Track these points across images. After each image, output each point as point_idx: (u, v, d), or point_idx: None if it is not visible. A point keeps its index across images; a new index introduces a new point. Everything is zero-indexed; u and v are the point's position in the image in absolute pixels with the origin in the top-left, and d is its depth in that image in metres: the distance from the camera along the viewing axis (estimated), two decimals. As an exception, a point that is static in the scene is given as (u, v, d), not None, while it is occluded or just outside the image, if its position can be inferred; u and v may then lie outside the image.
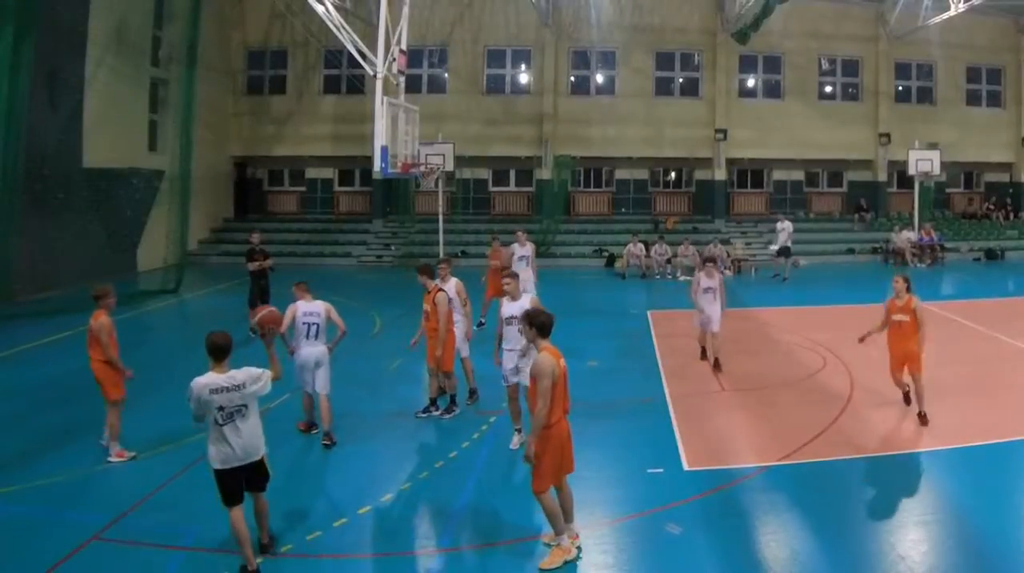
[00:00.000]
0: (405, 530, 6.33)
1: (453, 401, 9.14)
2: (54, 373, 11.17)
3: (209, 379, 5.36)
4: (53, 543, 5.85)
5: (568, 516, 5.88)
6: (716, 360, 11.20)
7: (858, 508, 6.52)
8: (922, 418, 8.59)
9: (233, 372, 5.43)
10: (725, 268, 22.28)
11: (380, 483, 7.04)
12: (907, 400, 9.02)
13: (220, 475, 5.38)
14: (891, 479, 7.21)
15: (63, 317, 14.59)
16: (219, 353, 5.47)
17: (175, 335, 15.31)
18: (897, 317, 8.74)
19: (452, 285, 9.46)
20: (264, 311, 6.37)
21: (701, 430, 8.64)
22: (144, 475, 7.25)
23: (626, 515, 6.51)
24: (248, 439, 5.40)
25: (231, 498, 5.39)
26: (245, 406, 5.41)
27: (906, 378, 8.86)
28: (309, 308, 8.29)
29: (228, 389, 5.35)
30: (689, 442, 8.15)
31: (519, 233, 15.04)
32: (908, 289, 8.78)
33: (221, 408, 5.32)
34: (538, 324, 5.72)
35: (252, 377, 5.46)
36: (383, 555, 5.95)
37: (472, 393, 9.65)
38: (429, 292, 8.95)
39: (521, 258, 14.28)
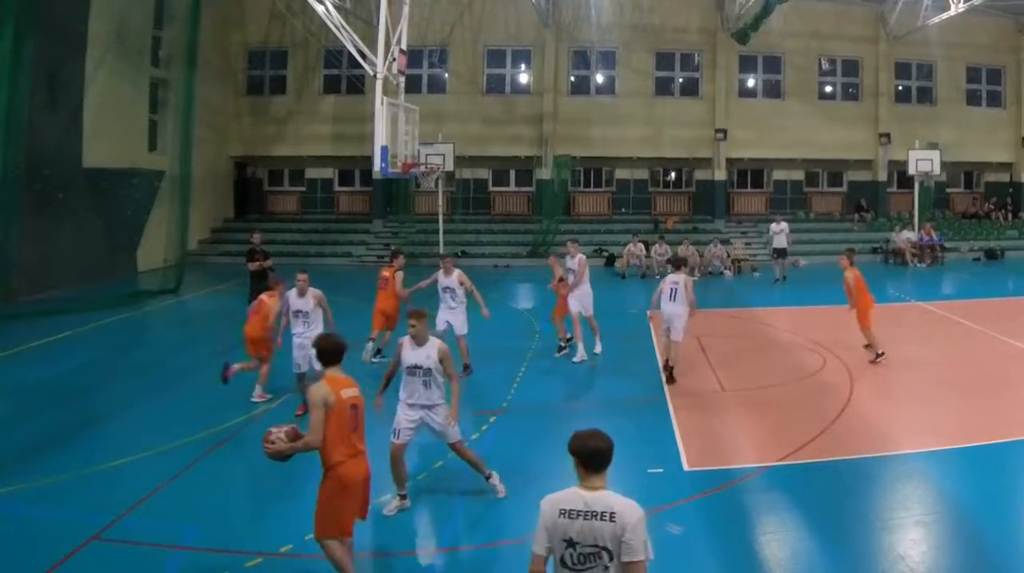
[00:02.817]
0: (405, 530, 6.32)
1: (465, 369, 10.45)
2: (54, 373, 11.15)
3: (561, 496, 3.53)
4: (53, 543, 5.84)
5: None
6: (671, 369, 10.25)
7: (858, 508, 6.51)
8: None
9: (601, 494, 3.43)
10: (724, 268, 22.36)
11: (380, 483, 7.02)
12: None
13: None
14: (891, 479, 7.20)
15: (63, 317, 14.61)
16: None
17: (175, 335, 15.30)
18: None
19: (455, 276, 10.72)
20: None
21: (701, 430, 8.64)
22: (144, 475, 7.24)
23: (626, 515, 6.50)
24: None
25: None
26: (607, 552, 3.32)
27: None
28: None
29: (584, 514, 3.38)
30: (689, 442, 8.14)
31: (569, 243, 12.22)
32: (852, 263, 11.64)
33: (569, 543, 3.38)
34: (318, 350, 5.24)
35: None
36: (383, 555, 5.95)
37: (466, 368, 10.54)
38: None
39: (568, 270, 11.83)
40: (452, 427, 6.52)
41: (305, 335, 8.91)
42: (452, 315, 10.74)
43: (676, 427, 8.67)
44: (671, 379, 10.24)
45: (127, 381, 10.80)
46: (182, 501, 6.75)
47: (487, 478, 6.77)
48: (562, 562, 3.37)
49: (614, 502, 3.37)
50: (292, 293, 9.30)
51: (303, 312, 9.21)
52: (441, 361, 6.38)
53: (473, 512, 6.64)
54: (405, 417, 6.47)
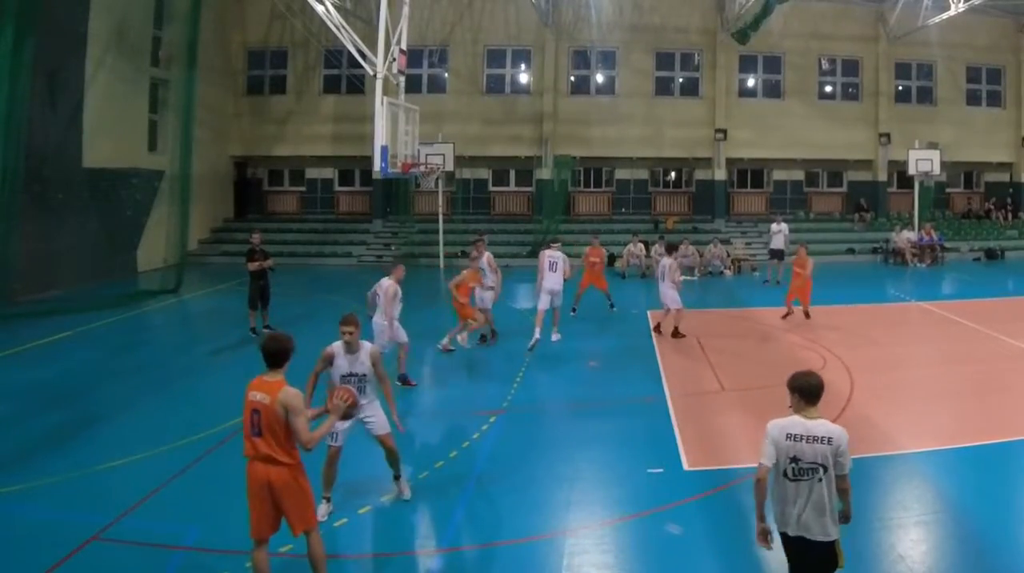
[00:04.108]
0: (405, 530, 6.32)
1: (492, 334, 12.64)
2: (54, 373, 11.16)
3: (786, 421, 4.34)
4: (53, 543, 5.84)
5: None
6: (673, 330, 12.98)
7: (858, 508, 6.45)
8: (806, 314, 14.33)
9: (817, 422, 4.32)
10: (724, 268, 22.37)
11: (380, 483, 7.03)
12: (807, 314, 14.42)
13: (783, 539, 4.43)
14: (891, 479, 7.20)
15: (63, 317, 14.61)
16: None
17: (175, 335, 15.31)
18: (797, 269, 14.44)
19: (484, 258, 12.28)
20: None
21: (701, 430, 8.64)
22: (144, 475, 7.24)
23: (626, 515, 6.51)
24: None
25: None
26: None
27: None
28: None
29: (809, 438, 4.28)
30: (689, 442, 8.15)
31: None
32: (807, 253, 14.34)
33: (794, 460, 4.30)
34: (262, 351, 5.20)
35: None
36: (383, 555, 5.95)
37: (493, 333, 12.73)
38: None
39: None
40: (386, 423, 6.51)
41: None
42: (481, 291, 12.32)
43: (676, 427, 8.67)
44: (657, 330, 13.24)
45: (127, 381, 10.80)
46: (182, 501, 6.75)
47: (395, 477, 6.75)
48: (784, 474, 4.30)
49: (830, 429, 4.29)
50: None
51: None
52: (373, 365, 6.40)
53: (473, 512, 6.64)
54: (340, 421, 6.18)
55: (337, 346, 6.35)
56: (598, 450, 8.08)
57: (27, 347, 12.58)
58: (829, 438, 4.26)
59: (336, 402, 5.45)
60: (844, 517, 4.45)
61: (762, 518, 4.45)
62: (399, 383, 9.95)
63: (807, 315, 14.51)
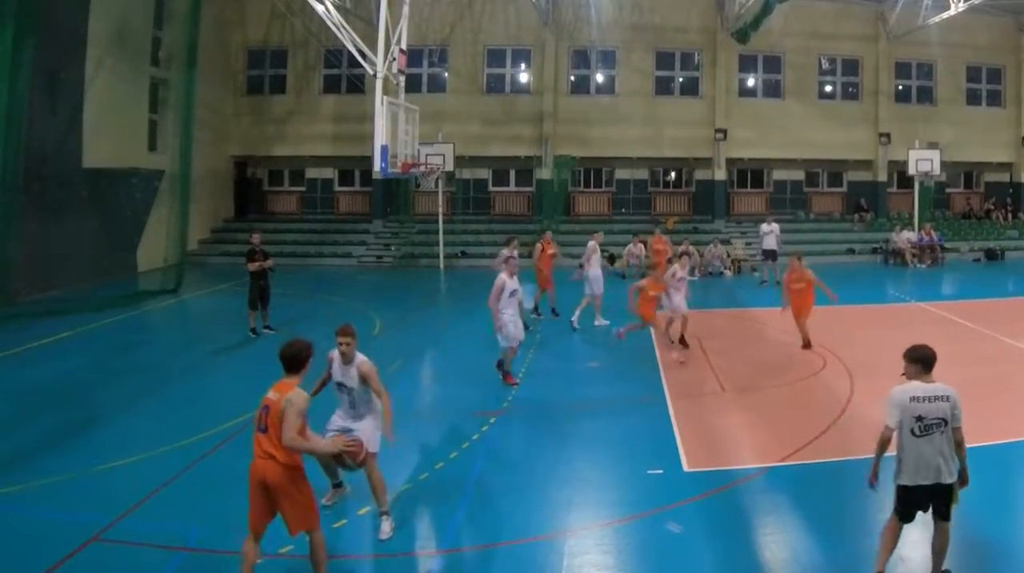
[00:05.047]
0: (405, 530, 6.32)
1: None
2: (54, 373, 11.16)
3: (908, 387, 5.18)
4: (53, 543, 5.84)
5: None
6: (682, 337, 12.42)
7: (858, 508, 6.51)
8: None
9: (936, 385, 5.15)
10: (724, 268, 22.38)
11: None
12: (807, 345, 12.18)
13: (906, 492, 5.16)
14: (891, 479, 7.17)
15: (63, 317, 14.61)
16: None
17: (175, 335, 15.31)
18: (796, 286, 12.36)
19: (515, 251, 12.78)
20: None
21: (701, 430, 8.64)
22: (144, 475, 7.24)
23: (626, 515, 6.51)
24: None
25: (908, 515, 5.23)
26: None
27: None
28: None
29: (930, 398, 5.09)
30: (689, 442, 8.15)
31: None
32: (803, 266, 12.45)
33: (919, 418, 5.06)
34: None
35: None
36: (383, 555, 5.95)
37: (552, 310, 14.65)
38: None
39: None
40: (374, 441, 6.23)
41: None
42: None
43: (676, 427, 8.67)
44: (683, 341, 12.43)
45: (127, 381, 10.80)
46: (182, 501, 6.75)
47: (381, 513, 6.21)
48: (912, 433, 5.05)
49: (946, 389, 5.11)
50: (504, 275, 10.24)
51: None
52: (364, 380, 6.14)
53: (473, 513, 6.64)
54: (336, 420, 6.38)
55: (336, 353, 6.29)
56: (598, 451, 8.08)
57: (27, 347, 12.58)
58: (947, 396, 5.06)
59: (341, 445, 5.72)
60: (963, 479, 5.15)
61: (876, 470, 5.31)
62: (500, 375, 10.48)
63: (807, 344, 12.23)
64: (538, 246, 15.22)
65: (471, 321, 15.28)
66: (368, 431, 6.22)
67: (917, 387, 5.13)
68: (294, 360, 5.26)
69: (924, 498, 5.12)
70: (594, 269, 14.43)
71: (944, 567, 5.24)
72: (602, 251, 24.24)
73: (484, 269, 22.62)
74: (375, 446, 6.21)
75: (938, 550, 5.22)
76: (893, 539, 5.22)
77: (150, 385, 10.62)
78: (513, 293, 10.16)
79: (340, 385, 6.30)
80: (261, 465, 5.04)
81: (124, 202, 20.41)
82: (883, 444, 5.17)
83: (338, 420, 6.39)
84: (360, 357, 6.23)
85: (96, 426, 8.87)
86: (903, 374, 5.28)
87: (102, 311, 15.56)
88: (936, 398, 5.06)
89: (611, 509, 6.67)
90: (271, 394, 5.12)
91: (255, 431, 5.13)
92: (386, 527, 6.15)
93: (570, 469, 7.54)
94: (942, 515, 5.14)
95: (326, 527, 6.19)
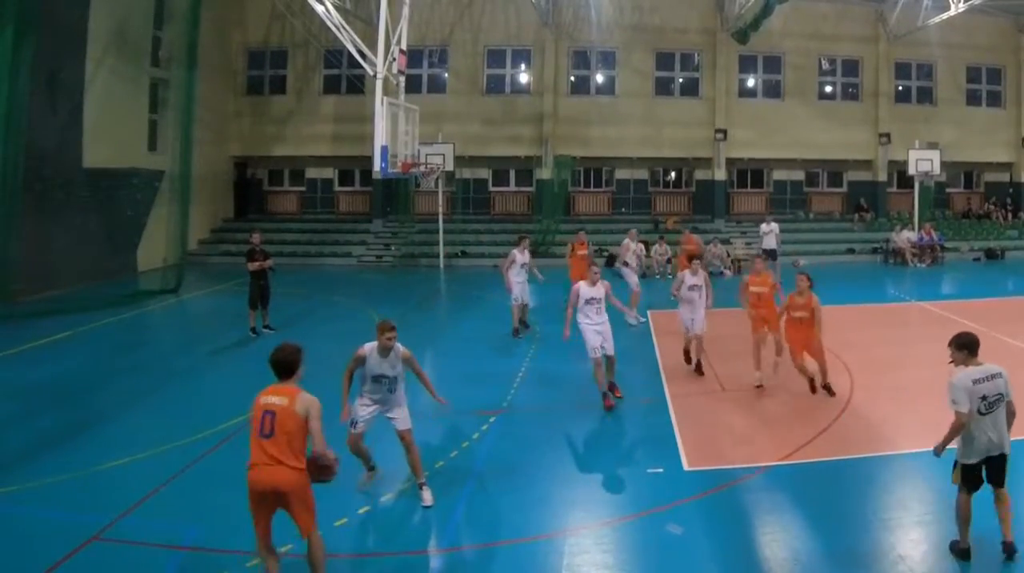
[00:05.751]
0: (405, 530, 6.33)
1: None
2: (54, 373, 11.16)
3: (967, 372, 5.55)
4: (53, 543, 5.85)
5: None
6: (699, 363, 10.96)
7: (858, 508, 6.52)
8: (828, 389, 9.70)
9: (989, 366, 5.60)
10: (724, 268, 22.35)
11: (380, 483, 7.04)
12: (813, 388, 9.72)
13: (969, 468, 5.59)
14: (891, 479, 7.21)
15: (63, 317, 14.61)
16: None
17: (175, 335, 15.30)
18: (797, 314, 9.57)
19: (527, 254, 13.51)
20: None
21: (701, 430, 8.64)
22: (144, 475, 7.25)
23: (626, 515, 6.51)
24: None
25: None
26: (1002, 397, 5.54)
27: (809, 365, 9.63)
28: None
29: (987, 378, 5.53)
30: (689, 442, 8.15)
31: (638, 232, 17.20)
32: (810, 287, 9.59)
33: (984, 398, 5.47)
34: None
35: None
36: (383, 555, 5.95)
37: (525, 325, 13.54)
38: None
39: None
40: (409, 420, 6.78)
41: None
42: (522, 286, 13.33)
43: (676, 427, 8.67)
44: (699, 369, 10.99)
45: (127, 381, 10.80)
46: (182, 501, 6.75)
47: (420, 485, 6.78)
48: (978, 411, 5.46)
49: (997, 367, 5.63)
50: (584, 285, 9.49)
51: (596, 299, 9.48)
52: (407, 364, 6.63)
53: (473, 512, 6.64)
54: (364, 408, 6.68)
55: (369, 347, 6.53)
56: (598, 450, 8.09)
57: (27, 347, 12.58)
58: (1000, 373, 5.57)
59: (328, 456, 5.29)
60: None
61: (943, 448, 5.67)
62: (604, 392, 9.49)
63: (828, 389, 9.68)
64: (570, 246, 15.74)
65: (471, 320, 15.29)
66: (406, 412, 6.77)
67: (973, 370, 5.52)
68: (286, 366, 5.17)
69: (991, 468, 5.54)
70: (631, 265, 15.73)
71: (1010, 537, 5.50)
72: (602, 251, 24.61)
73: (484, 269, 22.67)
74: (409, 423, 6.77)
75: (1003, 516, 5.55)
76: (968, 513, 5.55)
77: (150, 385, 10.62)
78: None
79: (379, 377, 6.54)
80: (269, 472, 4.94)
81: (124, 202, 20.41)
82: (957, 430, 5.49)
83: (369, 407, 6.65)
84: (399, 346, 6.58)
85: (96, 426, 8.87)
86: (950, 362, 5.68)
87: (102, 311, 15.56)
88: (993, 377, 5.50)
89: (611, 508, 6.68)
90: (274, 399, 5.02)
91: (255, 437, 5.00)
92: (427, 496, 6.69)
93: (570, 468, 7.54)
94: (998, 482, 5.53)
95: (327, 526, 6.21)
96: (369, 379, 6.60)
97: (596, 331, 9.34)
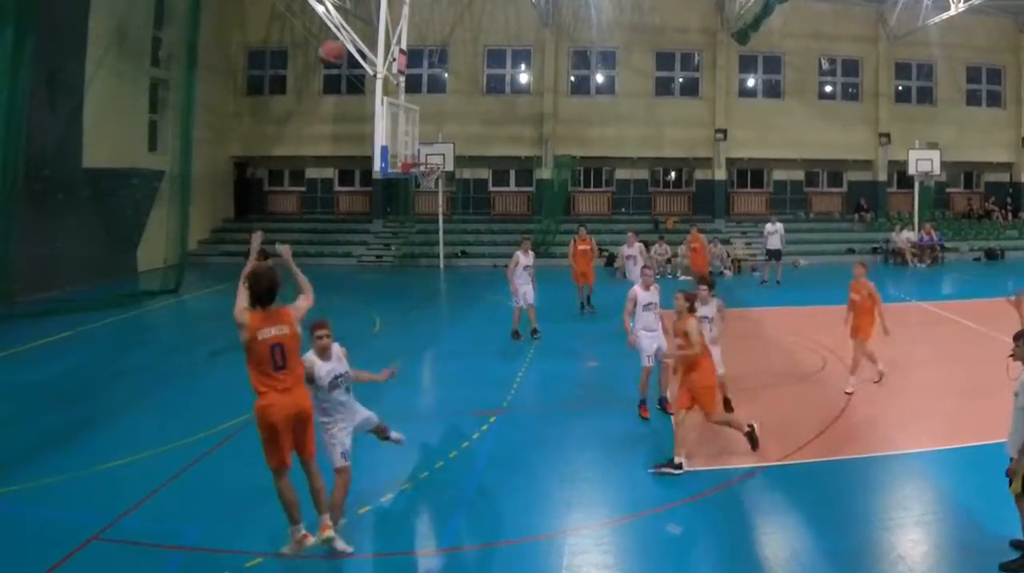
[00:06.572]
0: (405, 530, 6.32)
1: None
2: (54, 373, 11.15)
3: None
4: (53, 543, 5.84)
5: (318, 506, 5.51)
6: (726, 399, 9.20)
7: (858, 508, 6.52)
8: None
9: None
10: (725, 268, 22.29)
11: (380, 483, 7.03)
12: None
13: None
14: (891, 479, 7.21)
15: (63, 317, 14.61)
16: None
17: (175, 335, 15.30)
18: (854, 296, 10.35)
19: (531, 255, 13.42)
20: None
21: (701, 430, 8.62)
22: (144, 475, 7.24)
23: (626, 515, 6.51)
24: None
25: None
26: None
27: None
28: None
29: None
30: (689, 441, 8.12)
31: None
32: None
33: None
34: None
35: None
36: (383, 555, 5.95)
37: (534, 331, 13.24)
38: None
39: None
40: (370, 414, 6.22)
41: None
42: (529, 289, 13.24)
43: (676, 427, 8.64)
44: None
45: (127, 381, 10.81)
46: (182, 501, 6.75)
47: (384, 438, 6.58)
48: None
49: None
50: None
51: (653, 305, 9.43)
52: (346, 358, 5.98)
53: (473, 512, 6.64)
54: (342, 433, 5.88)
55: (313, 354, 5.81)
56: (598, 450, 8.08)
57: (27, 347, 12.58)
58: None
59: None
60: None
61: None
62: (659, 407, 9.23)
63: (879, 375, 10.29)
64: (572, 241, 15.86)
65: (471, 320, 15.29)
66: (363, 413, 6.21)
67: None
68: (275, 291, 5.46)
69: None
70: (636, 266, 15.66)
71: None
72: (602, 251, 24.60)
73: (484, 269, 22.66)
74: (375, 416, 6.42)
75: None
76: None
77: (150, 385, 10.62)
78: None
79: (335, 380, 5.80)
80: (292, 397, 5.26)
81: (124, 202, 20.40)
82: None
83: (345, 430, 5.89)
84: (334, 345, 5.94)
85: (96, 426, 8.87)
86: (1010, 356, 5.81)
87: (102, 311, 15.56)
88: None
89: (611, 508, 6.68)
90: (275, 330, 5.29)
91: (267, 371, 5.24)
92: (398, 434, 6.71)
93: (570, 468, 7.54)
94: None
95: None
96: (327, 388, 5.78)
97: (652, 338, 9.14)
